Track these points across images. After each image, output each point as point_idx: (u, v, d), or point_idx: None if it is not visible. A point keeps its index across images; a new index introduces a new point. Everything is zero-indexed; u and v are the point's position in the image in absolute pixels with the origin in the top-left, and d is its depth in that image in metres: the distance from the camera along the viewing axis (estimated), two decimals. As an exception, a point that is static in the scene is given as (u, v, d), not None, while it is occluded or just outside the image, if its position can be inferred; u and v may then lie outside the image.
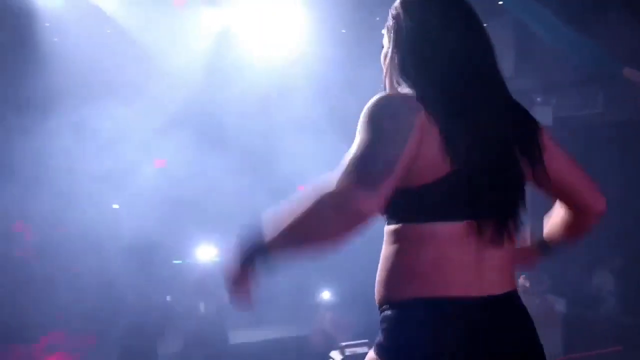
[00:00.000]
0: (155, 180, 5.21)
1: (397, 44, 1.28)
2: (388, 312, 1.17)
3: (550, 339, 4.80)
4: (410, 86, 1.22)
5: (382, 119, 1.15)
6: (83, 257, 4.90)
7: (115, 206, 5.64)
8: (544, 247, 1.52)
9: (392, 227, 1.21)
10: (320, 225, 1.06)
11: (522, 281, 4.87)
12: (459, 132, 1.16)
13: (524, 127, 1.28)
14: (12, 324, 4.57)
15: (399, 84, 1.26)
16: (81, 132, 5.19)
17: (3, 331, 4.54)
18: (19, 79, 5.44)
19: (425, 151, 1.14)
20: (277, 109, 5.74)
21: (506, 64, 5.92)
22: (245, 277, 1.12)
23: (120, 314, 4.89)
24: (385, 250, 1.21)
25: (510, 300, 1.23)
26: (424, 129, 1.14)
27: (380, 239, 1.24)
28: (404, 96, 1.20)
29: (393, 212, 1.19)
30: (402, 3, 1.29)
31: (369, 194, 1.05)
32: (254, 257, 1.10)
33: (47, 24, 5.62)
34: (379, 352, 1.15)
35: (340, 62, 5.88)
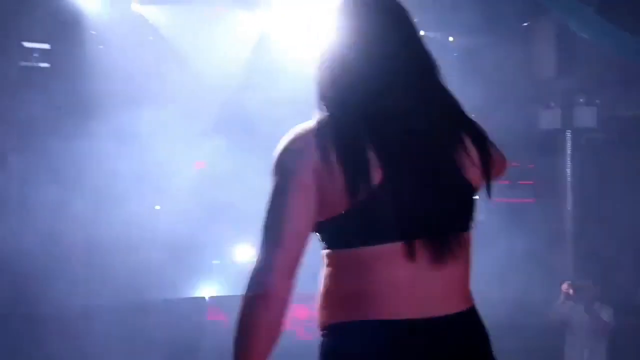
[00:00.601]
0: (195, 182, 5.35)
1: (319, 56, 1.17)
2: (323, 338, 1.13)
3: (596, 350, 4.63)
4: (322, 104, 1.15)
5: (274, 178, 1.11)
6: (124, 257, 5.07)
7: (157, 207, 5.81)
8: None
9: (324, 251, 1.15)
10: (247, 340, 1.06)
11: (565, 288, 4.69)
12: (389, 146, 1.08)
13: (462, 138, 1.16)
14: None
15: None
16: (124, 135, 5.36)
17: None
18: (67, 84, 5.67)
19: (336, 182, 1.06)
20: (313, 113, 5.78)
21: (547, 65, 5.79)
22: None
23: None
24: (321, 274, 1.15)
25: (455, 322, 1.11)
26: (325, 164, 1.06)
27: None
28: (301, 134, 1.13)
29: (322, 238, 1.14)
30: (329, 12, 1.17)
31: (267, 283, 1.05)
32: None
33: (94, 32, 5.84)
34: None
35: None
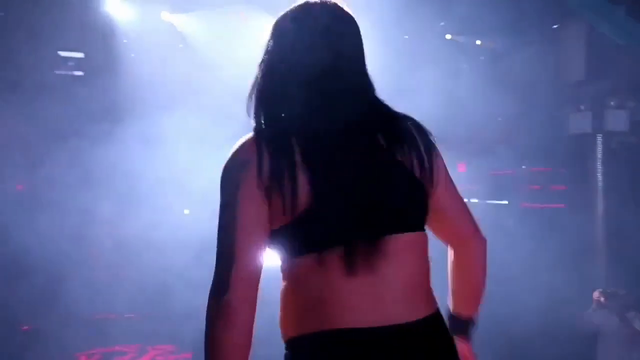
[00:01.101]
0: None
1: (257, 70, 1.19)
2: (285, 353, 1.11)
3: (629, 359, 4.50)
4: (254, 120, 1.16)
5: (222, 192, 1.12)
6: (152, 262, 5.17)
7: (186, 211, 5.91)
8: (458, 323, 1.27)
9: (281, 264, 1.15)
10: (212, 346, 1.04)
11: (597, 295, 4.58)
12: (317, 159, 1.08)
13: (407, 144, 1.14)
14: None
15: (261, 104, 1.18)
16: (153, 140, 5.49)
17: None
18: (100, 91, 5.84)
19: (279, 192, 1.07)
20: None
21: (577, 67, 5.69)
22: None
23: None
24: (281, 288, 1.15)
25: (421, 330, 1.07)
26: (264, 178, 1.08)
27: None
28: (242, 147, 1.14)
29: (276, 250, 1.14)
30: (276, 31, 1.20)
31: (228, 296, 1.03)
32: None
33: (126, 41, 6.01)
34: None
35: (400, 68, 5.89)
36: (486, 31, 6.25)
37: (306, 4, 1.19)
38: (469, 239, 1.24)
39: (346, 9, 1.21)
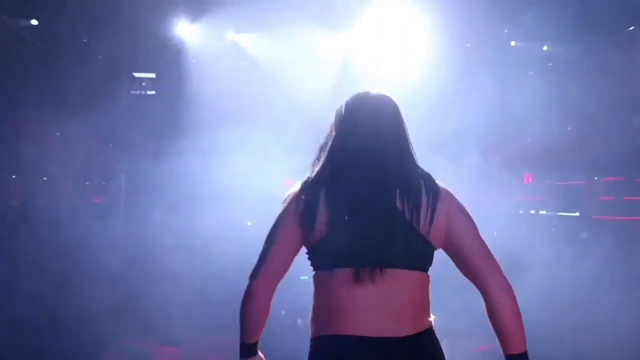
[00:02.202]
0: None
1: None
2: (310, 346, 1.56)
3: None
4: (310, 169, 1.61)
5: (273, 223, 1.61)
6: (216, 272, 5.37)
7: (249, 223, 6.09)
8: None
9: (313, 274, 1.59)
10: (243, 308, 1.60)
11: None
12: (345, 201, 1.49)
13: (416, 194, 1.49)
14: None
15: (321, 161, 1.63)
16: (219, 154, 5.72)
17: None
18: (171, 109, 6.17)
19: (312, 220, 1.53)
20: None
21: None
22: None
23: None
24: None
25: (406, 344, 1.42)
26: (309, 209, 1.54)
27: None
28: (300, 191, 1.58)
29: (310, 262, 1.58)
30: (340, 112, 1.64)
31: (255, 280, 1.57)
32: (244, 353, 1.64)
33: (194, 60, 6.32)
34: None
35: (463, 78, 5.80)
36: (553, 36, 6.03)
37: (358, 96, 1.63)
38: (493, 287, 1.46)
39: (387, 100, 1.62)
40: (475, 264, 1.48)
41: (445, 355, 1.49)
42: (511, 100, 5.91)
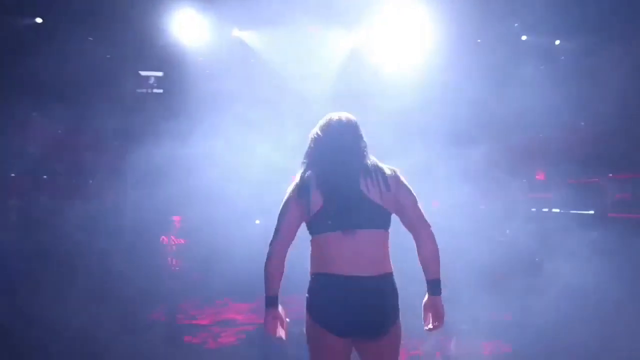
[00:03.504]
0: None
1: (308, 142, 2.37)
2: (309, 282, 2.26)
3: None
4: (301, 167, 2.30)
5: (281, 207, 2.26)
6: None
7: (257, 221, 6.05)
8: (431, 285, 2.24)
9: (310, 237, 2.28)
10: (267, 267, 2.25)
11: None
12: (325, 188, 2.21)
13: (372, 178, 2.24)
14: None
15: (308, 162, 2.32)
16: (228, 149, 5.68)
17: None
18: (178, 106, 6.12)
19: (308, 200, 2.22)
20: (410, 123, 5.70)
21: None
22: (272, 319, 2.25)
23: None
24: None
25: (371, 281, 2.18)
26: (302, 194, 2.23)
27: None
28: (296, 183, 2.24)
29: (308, 230, 2.27)
30: (315, 130, 2.34)
31: (273, 245, 2.25)
32: (269, 303, 2.25)
33: (201, 58, 6.27)
34: (306, 301, 2.25)
35: (473, 74, 5.69)
36: (566, 30, 5.89)
37: (330, 119, 2.33)
38: (419, 230, 2.25)
39: (348, 118, 2.32)
40: (412, 221, 2.24)
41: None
42: (522, 95, 5.79)
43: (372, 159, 2.25)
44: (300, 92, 5.85)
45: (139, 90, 6.33)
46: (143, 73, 6.36)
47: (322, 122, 2.29)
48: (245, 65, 6.10)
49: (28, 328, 3.93)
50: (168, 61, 6.31)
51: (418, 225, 2.19)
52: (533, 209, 6.53)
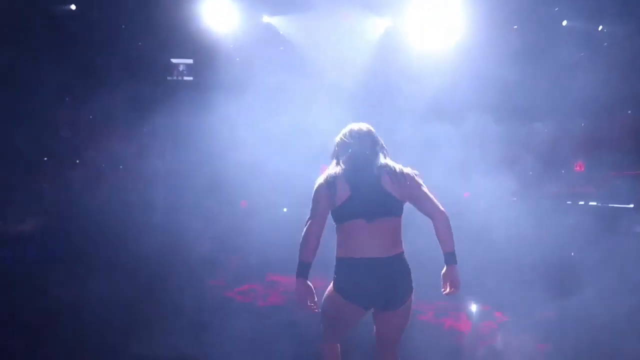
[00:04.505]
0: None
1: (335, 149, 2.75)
2: (335, 262, 2.62)
3: None
4: (337, 164, 2.69)
5: (314, 194, 2.60)
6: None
7: (285, 209, 6.00)
8: (447, 257, 2.59)
9: (336, 225, 2.63)
10: (304, 238, 2.61)
11: None
12: (351, 183, 2.60)
13: (389, 174, 2.62)
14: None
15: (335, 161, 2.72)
16: (256, 138, 5.64)
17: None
18: (208, 95, 6.11)
19: (336, 192, 2.59)
20: (442, 110, 5.55)
21: None
22: (303, 288, 2.58)
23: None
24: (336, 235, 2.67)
25: (389, 261, 2.59)
26: (330, 187, 2.58)
27: None
28: (326, 177, 2.61)
29: (333, 218, 2.61)
30: (340, 136, 2.72)
31: (310, 222, 2.58)
32: (300, 272, 2.59)
33: (231, 46, 6.24)
34: (333, 280, 2.62)
35: (511, 61, 5.49)
36: (609, 15, 5.62)
37: (351, 128, 2.71)
38: (434, 214, 2.62)
39: (367, 127, 2.70)
40: (427, 208, 2.61)
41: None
42: (563, 82, 5.55)
43: (389, 159, 2.69)
44: (331, 78, 5.74)
45: (169, 78, 6.34)
46: (174, 60, 6.38)
47: (345, 130, 2.73)
48: (276, 51, 6.04)
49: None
50: (198, 48, 6.31)
51: (433, 210, 2.61)
52: (569, 202, 6.27)
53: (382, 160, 2.64)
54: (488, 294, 4.34)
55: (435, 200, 2.60)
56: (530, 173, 6.10)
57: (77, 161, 5.97)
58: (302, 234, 2.55)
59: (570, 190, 6.16)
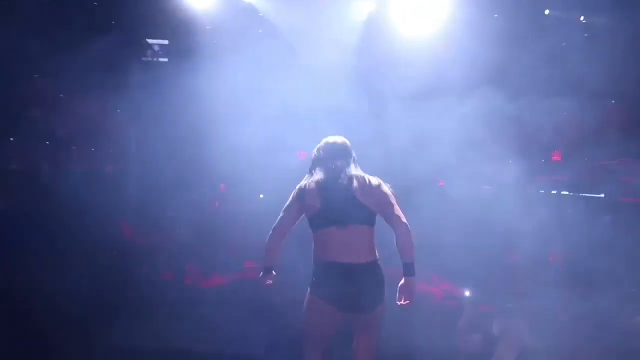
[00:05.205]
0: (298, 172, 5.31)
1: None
2: (312, 268, 2.92)
3: None
4: (310, 175, 3.01)
5: (286, 204, 2.95)
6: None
7: (261, 196, 5.89)
8: (406, 267, 2.79)
9: (312, 234, 2.93)
10: (267, 245, 2.98)
11: None
12: (323, 193, 2.86)
13: (359, 184, 2.87)
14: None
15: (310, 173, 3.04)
16: (233, 123, 5.50)
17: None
18: (183, 77, 5.89)
19: (308, 203, 2.91)
20: (430, 96, 5.50)
21: None
22: (265, 279, 2.97)
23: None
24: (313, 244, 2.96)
25: (361, 267, 2.82)
26: (304, 197, 2.93)
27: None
28: (298, 188, 2.98)
29: (309, 226, 2.93)
30: (316, 148, 3.07)
31: (272, 233, 2.97)
32: (264, 270, 2.98)
33: (209, 27, 6.02)
34: (309, 286, 2.90)
35: (491, 50, 5.46)
36: (591, 5, 5.63)
37: (327, 141, 3.03)
38: (396, 224, 2.84)
39: (342, 140, 3.02)
40: (391, 217, 2.81)
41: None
42: (544, 72, 5.56)
43: (359, 170, 2.92)
44: (313, 62, 5.61)
45: (143, 59, 6.10)
46: (149, 41, 6.14)
47: (320, 144, 2.99)
48: (256, 33, 5.86)
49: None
50: (174, 30, 6.08)
51: (395, 221, 2.79)
52: (542, 191, 6.30)
53: (354, 171, 2.85)
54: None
55: (399, 211, 2.79)
56: (510, 161, 6.11)
57: (47, 142, 5.75)
58: (266, 240, 2.85)
59: (548, 179, 6.20)
